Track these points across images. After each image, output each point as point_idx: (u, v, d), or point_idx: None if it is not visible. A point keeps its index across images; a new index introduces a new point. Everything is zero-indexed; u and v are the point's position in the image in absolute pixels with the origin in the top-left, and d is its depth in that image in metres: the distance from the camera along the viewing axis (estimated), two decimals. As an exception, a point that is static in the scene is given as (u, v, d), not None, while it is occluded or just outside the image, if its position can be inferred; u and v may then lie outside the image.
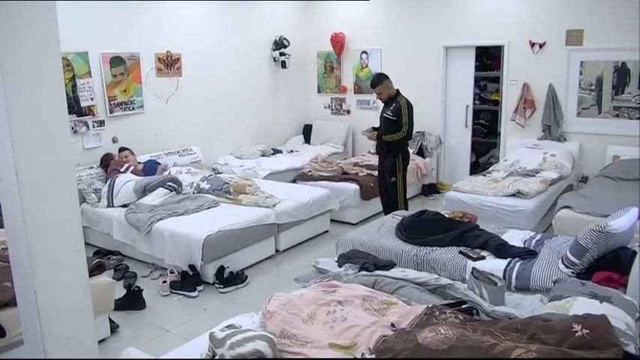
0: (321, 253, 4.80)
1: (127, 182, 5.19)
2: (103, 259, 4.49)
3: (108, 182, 5.23)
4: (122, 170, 5.38)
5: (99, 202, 5.22)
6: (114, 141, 5.78)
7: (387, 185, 5.30)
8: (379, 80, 5.09)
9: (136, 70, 5.95)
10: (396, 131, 5.04)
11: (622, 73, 5.90)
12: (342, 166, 6.54)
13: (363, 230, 4.32)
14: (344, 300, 2.72)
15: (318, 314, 2.61)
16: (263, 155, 7.19)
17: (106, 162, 5.54)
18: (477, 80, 7.41)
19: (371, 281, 2.99)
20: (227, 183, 5.45)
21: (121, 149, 5.70)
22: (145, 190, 5.16)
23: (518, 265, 3.37)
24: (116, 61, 5.73)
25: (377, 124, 5.38)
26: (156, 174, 5.66)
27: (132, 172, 5.43)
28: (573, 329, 2.07)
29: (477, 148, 7.93)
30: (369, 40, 7.73)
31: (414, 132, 5.20)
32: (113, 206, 5.09)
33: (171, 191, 5.21)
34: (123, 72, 5.81)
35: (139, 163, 5.79)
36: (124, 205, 5.07)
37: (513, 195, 5.05)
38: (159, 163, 5.94)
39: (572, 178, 6.13)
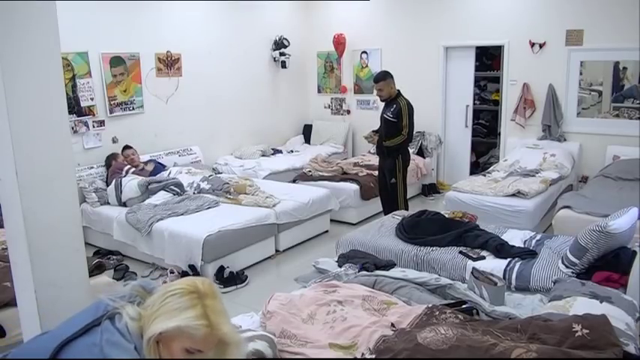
0: (321, 253, 4.79)
1: (131, 180, 5.23)
2: (103, 259, 4.50)
3: (114, 182, 5.23)
4: (123, 175, 5.36)
5: (99, 202, 5.23)
6: (114, 141, 5.77)
7: (387, 185, 5.29)
8: (383, 77, 5.06)
9: (136, 70, 5.94)
10: (395, 133, 5.02)
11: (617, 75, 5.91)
12: (342, 166, 6.54)
13: (363, 230, 4.32)
14: (344, 300, 2.71)
15: (318, 314, 2.61)
16: (263, 155, 7.19)
17: (110, 162, 5.54)
18: (477, 80, 7.40)
19: (371, 281, 2.99)
20: (227, 183, 5.45)
21: (125, 147, 5.68)
22: (148, 187, 5.19)
23: (518, 265, 3.37)
24: (116, 61, 5.73)
25: (377, 125, 5.38)
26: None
27: (134, 174, 5.44)
28: (573, 329, 2.07)
29: (476, 148, 7.92)
30: (369, 40, 7.72)
31: (414, 133, 5.19)
32: (123, 204, 5.13)
33: (174, 194, 5.22)
34: (123, 72, 5.80)
35: (146, 162, 5.77)
36: (126, 205, 5.08)
37: (513, 195, 5.04)
38: (160, 164, 5.94)
39: (572, 178, 6.12)
